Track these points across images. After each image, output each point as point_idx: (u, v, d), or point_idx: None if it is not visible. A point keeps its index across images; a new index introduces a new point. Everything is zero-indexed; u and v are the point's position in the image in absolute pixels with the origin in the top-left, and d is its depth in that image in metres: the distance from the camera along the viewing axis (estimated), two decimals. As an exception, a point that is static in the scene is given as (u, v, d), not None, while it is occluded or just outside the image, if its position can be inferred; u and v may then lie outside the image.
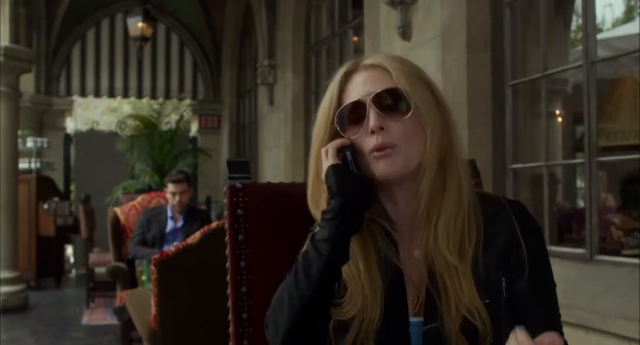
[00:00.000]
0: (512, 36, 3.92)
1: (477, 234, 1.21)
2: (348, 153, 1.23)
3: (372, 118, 1.20)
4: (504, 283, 1.20)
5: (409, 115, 1.20)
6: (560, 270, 3.45)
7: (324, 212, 1.19)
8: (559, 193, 4.97)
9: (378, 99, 1.21)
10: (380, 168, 1.20)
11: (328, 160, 1.22)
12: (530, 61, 3.99)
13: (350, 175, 1.21)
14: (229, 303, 1.47)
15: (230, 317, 1.47)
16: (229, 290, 1.47)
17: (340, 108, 1.24)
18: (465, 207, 1.22)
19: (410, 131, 1.20)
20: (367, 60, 1.27)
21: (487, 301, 1.17)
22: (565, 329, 1.25)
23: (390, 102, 1.21)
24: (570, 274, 3.27)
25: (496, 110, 3.94)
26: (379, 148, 1.19)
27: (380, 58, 1.26)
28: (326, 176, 1.21)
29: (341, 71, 1.28)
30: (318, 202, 1.26)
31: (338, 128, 1.24)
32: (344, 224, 1.17)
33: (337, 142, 1.23)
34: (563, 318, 1.25)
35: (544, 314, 1.21)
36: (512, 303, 1.20)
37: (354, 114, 1.23)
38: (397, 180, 1.22)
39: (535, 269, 1.21)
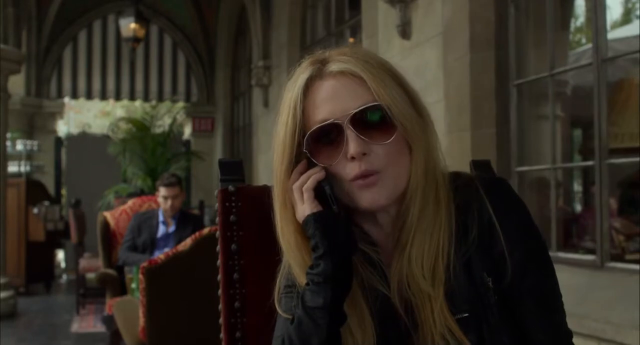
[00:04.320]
0: (516, 34, 3.79)
1: (449, 239, 1.05)
2: (327, 188, 1.06)
3: (353, 143, 1.03)
4: (490, 283, 1.04)
5: (393, 137, 1.04)
6: (570, 278, 3.32)
7: (312, 273, 1.02)
8: (560, 197, 4.85)
9: (356, 119, 1.03)
10: (366, 199, 1.05)
11: (305, 204, 1.05)
12: (535, 60, 3.87)
13: (336, 223, 1.04)
14: (221, 320, 1.32)
15: (222, 335, 1.33)
16: (220, 306, 1.32)
17: (310, 131, 1.05)
18: (442, 219, 1.06)
19: (395, 153, 1.05)
20: (334, 66, 1.07)
21: (466, 314, 1.03)
22: (576, 340, 1.10)
23: (370, 121, 1.04)
24: (580, 282, 3.13)
25: (500, 111, 3.81)
26: (363, 176, 1.03)
27: (348, 61, 1.06)
28: (306, 226, 1.04)
29: (302, 78, 1.08)
30: (296, 250, 1.08)
31: (308, 154, 1.07)
32: (339, 287, 1.01)
33: (312, 180, 1.05)
34: (574, 328, 1.11)
35: (541, 315, 1.06)
36: (507, 303, 1.05)
37: (325, 135, 1.05)
38: (384, 208, 1.07)
39: (522, 257, 1.05)
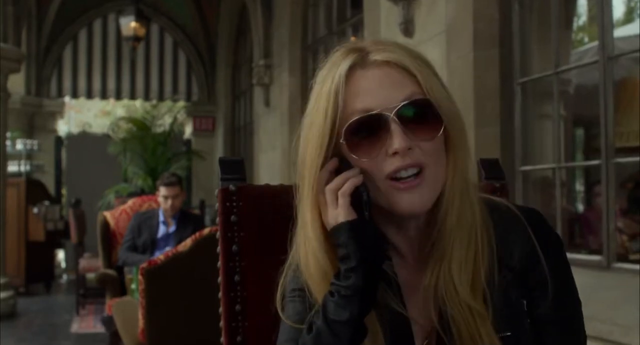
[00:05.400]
0: (521, 32, 3.75)
1: (490, 257, 1.01)
2: (365, 194, 0.98)
3: (398, 138, 0.96)
4: (525, 306, 1.02)
5: (440, 133, 0.98)
6: (575, 279, 3.28)
7: (340, 285, 0.95)
8: (563, 196, 4.81)
9: (402, 112, 0.97)
10: (404, 202, 0.98)
11: (339, 209, 0.97)
12: (539, 58, 3.83)
13: (370, 234, 0.97)
14: (222, 323, 1.28)
15: (222, 339, 1.29)
16: (221, 309, 1.28)
17: (350, 122, 0.97)
18: (477, 231, 1.01)
19: (437, 151, 0.99)
20: (378, 55, 1.00)
21: (509, 333, 0.99)
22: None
23: (416, 115, 0.97)
24: (586, 283, 3.08)
25: (504, 109, 3.76)
26: (404, 170, 0.97)
27: (393, 52, 0.99)
28: (337, 233, 0.97)
29: (344, 66, 1.00)
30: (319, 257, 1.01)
31: (346, 146, 0.99)
32: (367, 301, 0.95)
33: (350, 184, 0.97)
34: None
35: (564, 342, 1.04)
36: (534, 328, 1.03)
37: (366, 127, 0.98)
38: (422, 213, 1.01)
39: (558, 289, 1.03)
